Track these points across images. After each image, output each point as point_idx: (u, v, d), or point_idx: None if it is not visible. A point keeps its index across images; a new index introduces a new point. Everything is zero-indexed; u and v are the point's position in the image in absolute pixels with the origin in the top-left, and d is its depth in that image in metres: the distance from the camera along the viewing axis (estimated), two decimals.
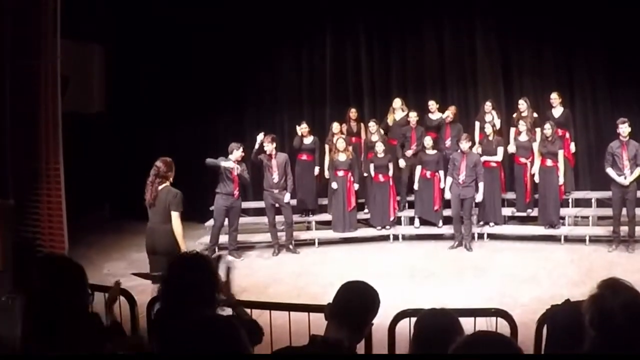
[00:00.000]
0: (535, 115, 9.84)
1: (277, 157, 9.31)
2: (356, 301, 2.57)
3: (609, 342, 2.25)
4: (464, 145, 9.08)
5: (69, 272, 2.61)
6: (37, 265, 2.64)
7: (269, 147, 9.23)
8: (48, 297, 2.27)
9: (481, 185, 9.10)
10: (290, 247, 9.44)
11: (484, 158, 9.43)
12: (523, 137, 9.59)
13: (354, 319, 2.54)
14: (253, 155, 9.23)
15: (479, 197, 9.11)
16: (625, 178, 8.29)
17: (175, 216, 6.23)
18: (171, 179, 6.41)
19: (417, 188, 9.85)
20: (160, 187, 6.35)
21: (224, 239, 9.44)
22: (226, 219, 9.13)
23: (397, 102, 10.44)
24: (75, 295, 2.42)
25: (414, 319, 3.54)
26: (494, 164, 9.56)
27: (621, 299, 2.28)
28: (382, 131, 10.31)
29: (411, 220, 10.25)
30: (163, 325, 2.74)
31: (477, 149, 9.57)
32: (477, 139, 9.91)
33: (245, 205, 10.78)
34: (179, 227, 6.23)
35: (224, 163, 8.79)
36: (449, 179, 9.23)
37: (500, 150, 9.62)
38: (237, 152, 8.92)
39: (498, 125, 9.94)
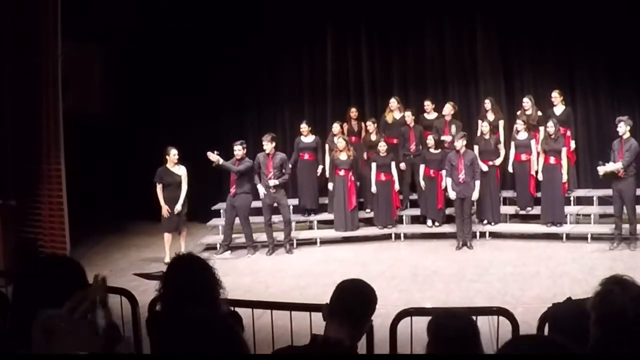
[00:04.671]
0: (539, 113, 9.84)
1: (274, 157, 9.29)
2: (353, 299, 2.57)
3: (618, 339, 2.18)
4: (459, 144, 9.08)
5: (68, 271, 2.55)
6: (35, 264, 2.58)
7: (268, 147, 9.22)
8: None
9: (477, 183, 9.08)
10: (287, 246, 9.43)
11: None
12: (522, 136, 9.59)
13: (352, 318, 2.54)
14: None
15: (475, 196, 9.09)
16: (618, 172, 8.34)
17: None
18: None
19: (423, 187, 9.84)
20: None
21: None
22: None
23: (393, 102, 10.43)
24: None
25: (415, 318, 3.55)
26: (490, 163, 9.55)
27: (631, 293, 2.22)
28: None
29: (413, 219, 10.25)
30: (161, 325, 2.73)
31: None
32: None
33: None
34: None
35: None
36: (449, 180, 9.21)
37: (502, 150, 9.67)
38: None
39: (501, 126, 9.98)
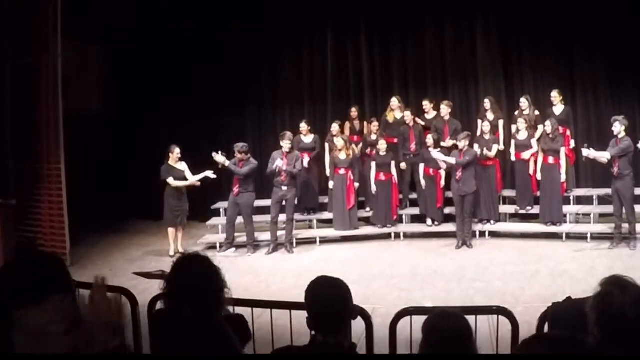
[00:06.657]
0: (537, 112, 9.84)
1: (289, 155, 9.34)
2: (329, 306, 2.58)
3: (617, 341, 2.17)
4: (462, 143, 9.08)
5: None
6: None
7: (287, 146, 9.33)
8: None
9: (452, 159, 9.04)
10: (288, 246, 9.44)
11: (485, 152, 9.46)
12: (522, 135, 9.60)
13: (337, 322, 2.57)
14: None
15: (451, 160, 9.05)
16: (613, 171, 8.37)
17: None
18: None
19: (424, 186, 9.85)
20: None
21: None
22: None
23: (394, 102, 10.44)
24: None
25: (415, 317, 3.55)
26: (489, 163, 9.55)
27: (631, 295, 2.20)
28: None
29: (413, 219, 10.25)
30: (162, 325, 2.73)
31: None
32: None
33: None
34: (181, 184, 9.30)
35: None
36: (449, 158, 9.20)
37: (494, 147, 9.65)
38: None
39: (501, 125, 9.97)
